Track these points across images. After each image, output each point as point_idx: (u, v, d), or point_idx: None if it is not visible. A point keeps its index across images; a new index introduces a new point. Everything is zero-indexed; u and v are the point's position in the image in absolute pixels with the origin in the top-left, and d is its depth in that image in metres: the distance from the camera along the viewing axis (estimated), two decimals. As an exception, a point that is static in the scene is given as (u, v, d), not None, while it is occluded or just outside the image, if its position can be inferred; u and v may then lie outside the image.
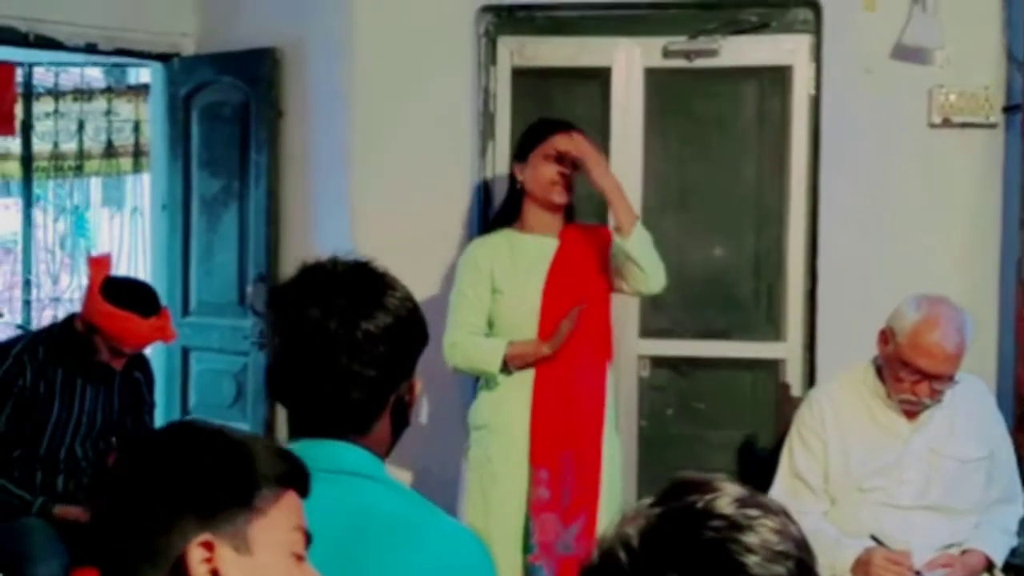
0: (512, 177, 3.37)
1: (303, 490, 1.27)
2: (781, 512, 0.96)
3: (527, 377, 3.22)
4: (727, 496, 0.95)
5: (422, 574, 1.48)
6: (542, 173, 3.26)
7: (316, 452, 1.53)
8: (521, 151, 3.33)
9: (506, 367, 3.21)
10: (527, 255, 3.29)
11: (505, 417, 3.23)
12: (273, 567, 1.21)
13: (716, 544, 0.91)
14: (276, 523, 1.22)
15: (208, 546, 1.17)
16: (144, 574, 1.17)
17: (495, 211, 3.61)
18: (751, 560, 0.90)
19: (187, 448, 1.22)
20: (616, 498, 3.30)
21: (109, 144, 6.36)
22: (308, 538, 1.26)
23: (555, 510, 3.17)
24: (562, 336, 3.17)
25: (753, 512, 0.94)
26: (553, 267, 3.27)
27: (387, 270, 1.61)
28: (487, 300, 3.27)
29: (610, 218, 3.33)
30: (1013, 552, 2.98)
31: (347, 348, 1.53)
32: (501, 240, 3.33)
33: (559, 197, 3.26)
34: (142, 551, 1.17)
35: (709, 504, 0.94)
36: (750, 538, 0.91)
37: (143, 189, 6.45)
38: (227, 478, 1.20)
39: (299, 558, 1.25)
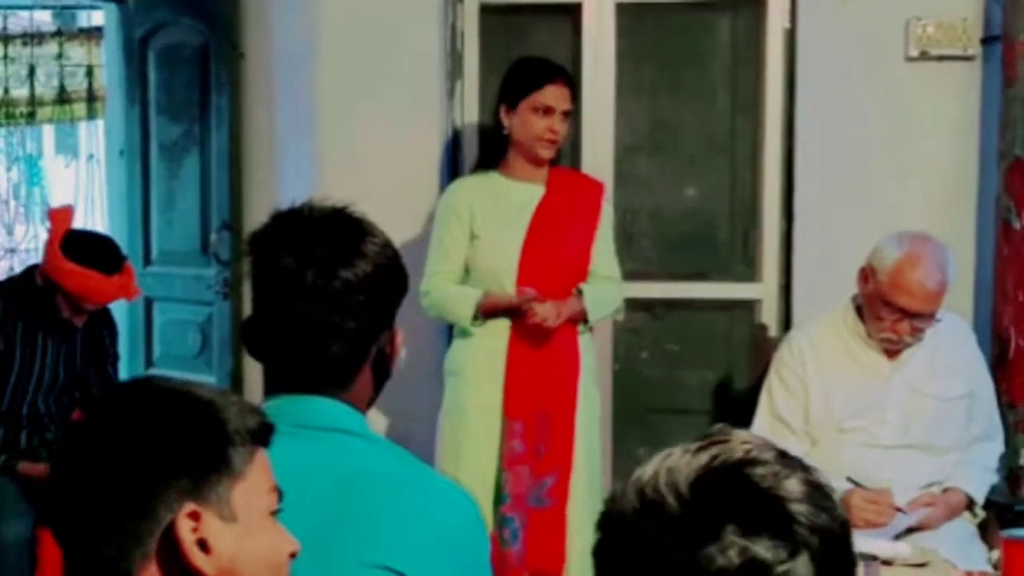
0: (498, 120, 3.22)
1: (269, 444, 1.22)
2: (810, 466, 0.98)
3: (504, 325, 3.14)
4: (767, 447, 0.97)
5: (412, 532, 1.44)
6: (531, 126, 3.13)
7: (296, 409, 1.47)
8: (511, 96, 3.16)
9: (477, 317, 3.14)
10: (510, 201, 3.19)
11: (479, 365, 3.17)
12: (255, 530, 1.17)
13: (766, 493, 0.93)
14: (255, 486, 1.17)
15: (195, 516, 1.12)
16: (124, 551, 1.11)
17: (477, 154, 3.50)
18: (799, 508, 0.92)
19: (158, 413, 1.15)
20: (595, 453, 3.25)
21: (62, 89, 6.17)
22: (280, 496, 1.22)
23: (528, 463, 3.12)
24: (529, 299, 3.08)
25: (792, 461, 0.96)
26: (536, 216, 3.18)
27: (365, 215, 1.54)
28: (464, 245, 3.17)
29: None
30: (993, 489, 2.96)
31: (325, 299, 1.47)
32: (483, 182, 3.23)
33: (545, 152, 3.16)
34: (123, 528, 1.11)
35: (750, 453, 0.96)
36: (793, 486, 0.93)
37: (98, 136, 6.28)
38: (206, 443, 1.14)
39: (274, 517, 1.21)
